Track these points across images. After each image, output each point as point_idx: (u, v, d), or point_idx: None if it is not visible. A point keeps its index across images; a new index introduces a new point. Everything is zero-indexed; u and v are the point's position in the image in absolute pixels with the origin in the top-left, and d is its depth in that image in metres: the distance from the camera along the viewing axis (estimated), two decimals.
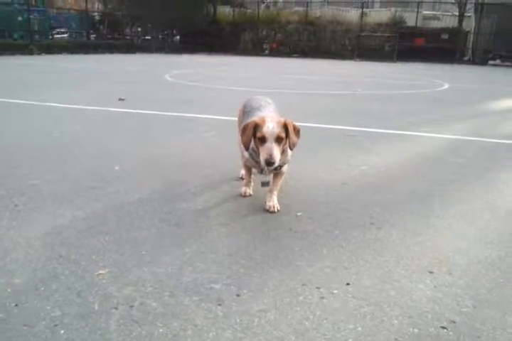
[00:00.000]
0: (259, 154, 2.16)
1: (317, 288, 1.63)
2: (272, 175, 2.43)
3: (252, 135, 2.18)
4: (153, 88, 8.29)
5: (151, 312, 1.44)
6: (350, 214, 2.37)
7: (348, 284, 1.66)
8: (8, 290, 1.53)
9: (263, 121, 2.15)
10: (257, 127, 2.15)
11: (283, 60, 24.00)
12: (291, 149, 2.27)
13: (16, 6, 21.95)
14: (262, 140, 2.12)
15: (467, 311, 1.52)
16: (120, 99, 6.12)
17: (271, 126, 2.11)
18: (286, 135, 2.17)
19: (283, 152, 2.23)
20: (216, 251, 1.88)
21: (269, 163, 2.08)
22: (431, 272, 1.78)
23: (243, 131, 2.23)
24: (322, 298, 1.57)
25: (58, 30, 25.60)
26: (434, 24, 27.36)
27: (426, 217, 2.37)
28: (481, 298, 1.60)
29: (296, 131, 2.26)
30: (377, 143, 4.11)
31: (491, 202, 2.61)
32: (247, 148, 2.25)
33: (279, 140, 2.12)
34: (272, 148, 2.08)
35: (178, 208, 2.35)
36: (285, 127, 2.16)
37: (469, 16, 26.58)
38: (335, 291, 1.61)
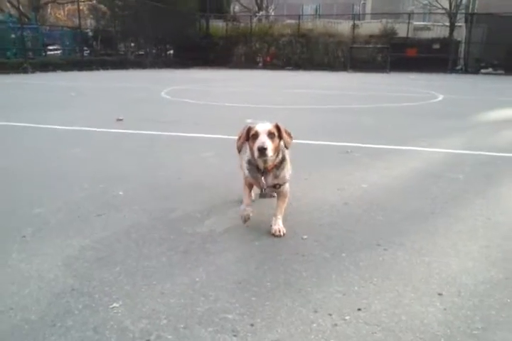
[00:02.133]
0: (253, 154, 2.28)
1: (329, 314, 1.65)
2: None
3: (246, 138, 2.32)
4: (150, 106, 8.35)
5: None
6: (356, 235, 2.39)
7: (359, 310, 1.69)
8: (26, 326, 1.55)
9: (255, 124, 2.31)
10: (250, 129, 2.30)
11: (277, 72, 24.20)
12: (286, 148, 2.40)
13: (10, 24, 22.09)
14: (255, 136, 2.24)
15: (478, 334, 1.54)
16: (118, 120, 6.15)
17: (262, 125, 2.28)
18: (279, 135, 2.30)
19: (277, 154, 2.35)
20: (226, 278, 1.90)
21: (262, 148, 2.17)
22: (440, 294, 1.81)
23: (238, 137, 2.40)
24: (335, 324, 1.59)
25: (51, 47, 25.75)
26: (426, 34, 27.74)
27: (431, 235, 2.40)
28: (490, 320, 1.63)
29: (288, 133, 2.40)
30: (375, 159, 4.16)
31: (493, 219, 2.65)
32: (239, 150, 2.42)
33: (270, 135, 2.24)
34: (264, 139, 2.20)
35: (185, 234, 2.38)
36: (277, 127, 2.31)
37: (460, 26, 26.98)
38: (347, 317, 1.63)
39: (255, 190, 2.71)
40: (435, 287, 1.86)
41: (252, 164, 2.40)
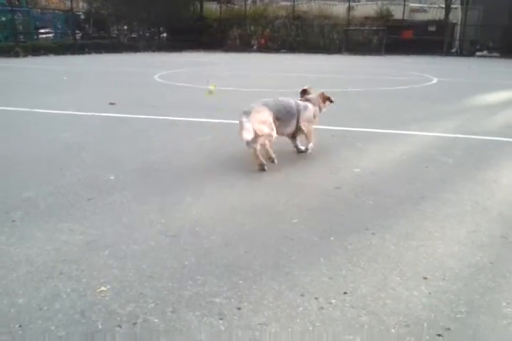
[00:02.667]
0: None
1: (315, 298, 1.67)
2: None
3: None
4: (143, 90, 8.28)
5: (154, 329, 1.47)
6: (345, 219, 2.41)
7: (345, 293, 1.70)
8: (12, 310, 1.56)
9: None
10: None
11: (271, 55, 24.00)
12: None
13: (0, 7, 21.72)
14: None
15: (461, 317, 1.57)
16: (111, 104, 6.10)
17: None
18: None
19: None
20: (215, 262, 1.92)
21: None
22: (425, 278, 1.83)
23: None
24: (321, 308, 1.61)
25: (43, 30, 25.36)
26: (421, 16, 27.46)
27: (419, 220, 2.42)
28: (474, 304, 1.65)
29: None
30: (369, 143, 4.16)
31: (482, 204, 2.66)
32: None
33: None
34: None
35: (175, 218, 2.38)
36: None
37: (456, 8, 26.71)
38: (333, 301, 1.65)
39: None
40: (421, 271, 1.88)
41: None
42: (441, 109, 6.40)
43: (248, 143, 3.15)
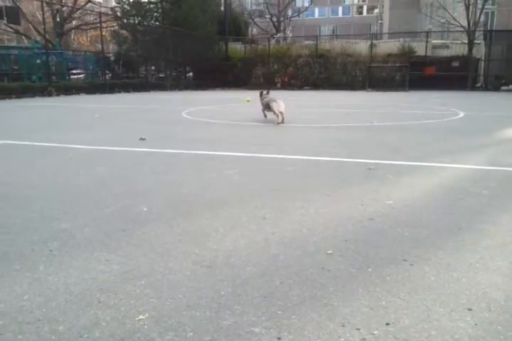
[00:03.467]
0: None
1: (357, 329, 1.62)
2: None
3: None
4: (171, 126, 8.48)
5: None
6: (382, 250, 2.36)
7: (387, 324, 1.65)
8: (53, 337, 1.56)
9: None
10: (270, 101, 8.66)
11: (295, 92, 24.39)
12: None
13: (36, 50, 22.90)
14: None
15: None
16: (141, 139, 6.26)
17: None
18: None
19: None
20: (251, 293, 1.89)
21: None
22: (470, 309, 1.76)
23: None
24: (363, 339, 1.56)
25: (75, 71, 26.53)
26: (444, 52, 27.71)
27: (458, 251, 2.36)
28: None
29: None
30: (399, 175, 4.13)
31: None
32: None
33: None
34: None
35: (209, 249, 2.38)
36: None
37: (479, 43, 26.91)
38: (375, 332, 1.60)
39: None
40: (465, 302, 1.82)
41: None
42: (470, 141, 6.34)
43: (280, 112, 8.35)
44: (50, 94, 19.26)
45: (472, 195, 3.44)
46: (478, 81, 27.08)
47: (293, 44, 33.88)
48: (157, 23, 28.46)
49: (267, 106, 8.72)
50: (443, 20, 29.62)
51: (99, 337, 1.55)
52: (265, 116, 9.00)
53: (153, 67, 31.14)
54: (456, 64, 26.36)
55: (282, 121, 8.33)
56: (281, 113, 8.34)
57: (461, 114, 10.71)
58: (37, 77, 21.77)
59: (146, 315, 1.70)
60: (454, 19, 27.92)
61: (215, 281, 2.00)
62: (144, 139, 6.26)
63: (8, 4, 25.07)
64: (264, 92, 9.07)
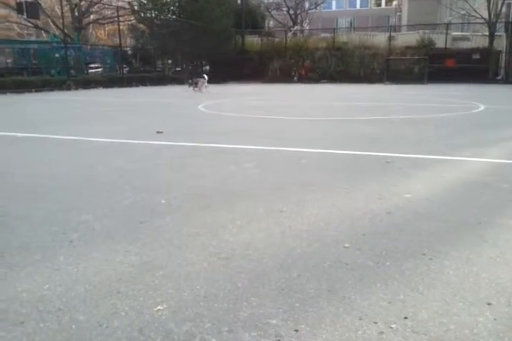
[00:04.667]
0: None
1: (375, 322, 1.62)
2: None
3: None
4: (188, 120, 8.50)
5: None
6: (400, 244, 2.34)
7: (406, 318, 1.64)
8: (73, 326, 1.58)
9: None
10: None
11: (312, 86, 24.24)
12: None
13: (54, 44, 23.14)
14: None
15: None
16: (158, 132, 6.29)
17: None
18: None
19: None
20: (268, 285, 1.90)
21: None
22: (489, 304, 1.74)
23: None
24: (381, 332, 1.55)
25: (93, 65, 26.76)
26: (465, 45, 27.21)
27: (478, 245, 2.33)
28: None
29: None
30: (418, 169, 4.08)
31: None
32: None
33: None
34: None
35: (227, 241, 2.39)
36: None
37: (500, 36, 26.36)
38: (393, 325, 1.59)
39: None
40: (484, 296, 1.80)
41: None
42: (491, 135, 6.23)
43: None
44: (68, 88, 19.47)
45: (492, 189, 3.39)
46: (499, 73, 26.56)
47: (310, 37, 33.61)
48: (174, 16, 28.48)
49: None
50: (463, 12, 29.04)
51: (117, 327, 1.57)
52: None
53: (169, 61, 31.22)
54: (476, 56, 25.88)
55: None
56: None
57: (482, 107, 10.53)
58: (56, 71, 22.04)
59: (164, 305, 1.72)
60: (475, 10, 27.37)
61: (233, 273, 2.01)
62: (161, 132, 6.29)
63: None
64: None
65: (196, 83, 18.11)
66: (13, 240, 2.41)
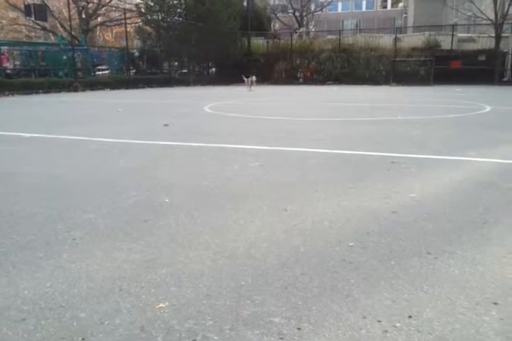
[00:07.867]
0: None
1: (378, 321, 1.60)
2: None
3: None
4: (194, 120, 8.51)
5: None
6: (404, 243, 2.32)
7: (410, 317, 1.62)
8: (75, 323, 1.58)
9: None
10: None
11: (318, 87, 24.22)
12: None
13: (62, 46, 23.28)
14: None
15: None
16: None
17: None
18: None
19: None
20: (272, 283, 1.88)
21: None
22: (495, 303, 1.72)
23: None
24: (385, 331, 1.53)
25: (100, 67, 26.88)
26: (470, 46, 27.08)
27: (484, 245, 2.30)
28: None
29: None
30: (424, 169, 4.05)
31: None
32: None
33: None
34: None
35: (230, 240, 2.38)
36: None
37: (507, 37, 26.22)
38: (397, 324, 1.58)
39: None
40: (490, 296, 1.77)
41: None
42: (497, 135, 6.19)
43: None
44: (76, 90, 19.57)
45: (498, 189, 3.36)
46: (505, 75, 26.40)
47: (316, 39, 33.59)
48: (180, 18, 28.55)
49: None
50: (469, 13, 28.88)
51: (119, 324, 1.56)
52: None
53: (176, 63, 31.31)
54: (482, 58, 25.74)
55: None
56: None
57: (487, 108, 10.46)
58: (63, 73, 22.15)
59: (167, 303, 1.71)
60: (481, 12, 27.19)
61: (236, 271, 1.99)
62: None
63: (37, 2, 25.44)
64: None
65: (252, 82, 20.63)
66: (16, 238, 2.41)
